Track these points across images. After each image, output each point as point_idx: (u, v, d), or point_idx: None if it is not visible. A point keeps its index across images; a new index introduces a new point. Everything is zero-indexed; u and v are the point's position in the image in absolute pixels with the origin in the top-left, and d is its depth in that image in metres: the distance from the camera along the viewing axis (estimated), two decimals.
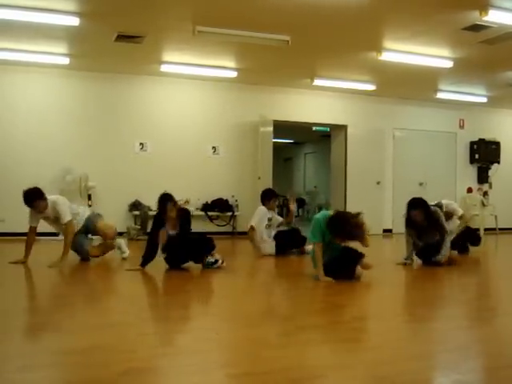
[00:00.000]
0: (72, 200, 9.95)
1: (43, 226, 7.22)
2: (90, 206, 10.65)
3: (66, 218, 6.93)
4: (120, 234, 10.50)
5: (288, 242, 8.51)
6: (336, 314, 4.64)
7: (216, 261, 6.63)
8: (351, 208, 12.76)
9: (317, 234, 5.86)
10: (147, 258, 6.46)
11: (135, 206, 11.11)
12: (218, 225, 11.66)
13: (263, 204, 8.53)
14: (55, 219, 7.03)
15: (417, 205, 6.98)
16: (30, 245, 6.97)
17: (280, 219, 8.84)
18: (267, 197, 8.58)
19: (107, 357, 3.18)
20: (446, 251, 7.05)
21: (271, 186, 12.46)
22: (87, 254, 7.25)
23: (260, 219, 8.39)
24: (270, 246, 8.29)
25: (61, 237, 7.26)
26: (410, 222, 7.07)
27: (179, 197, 10.80)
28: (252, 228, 8.31)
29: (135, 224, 10.97)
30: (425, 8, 7.45)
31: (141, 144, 11.38)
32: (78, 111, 11.03)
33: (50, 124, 10.83)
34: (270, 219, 8.49)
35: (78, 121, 11.00)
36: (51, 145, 10.73)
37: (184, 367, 3.04)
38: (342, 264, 5.88)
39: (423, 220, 6.96)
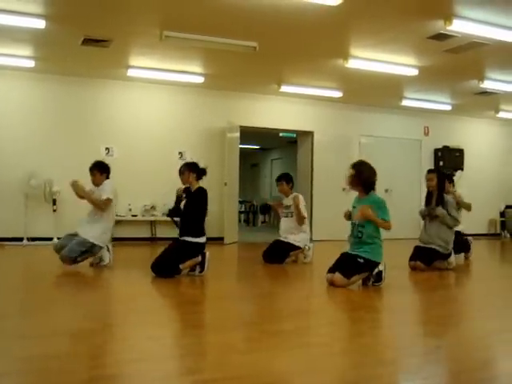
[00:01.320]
0: (36, 205, 9.88)
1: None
2: (54, 211, 10.55)
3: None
4: None
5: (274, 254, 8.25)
6: (304, 319, 4.65)
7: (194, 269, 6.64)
8: (317, 214, 12.86)
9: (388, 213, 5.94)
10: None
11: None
12: None
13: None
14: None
15: (433, 170, 8.17)
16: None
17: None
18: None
19: (72, 364, 3.15)
20: (452, 258, 7.60)
21: (237, 192, 12.52)
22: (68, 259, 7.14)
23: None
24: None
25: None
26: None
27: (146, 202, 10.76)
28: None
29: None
30: (391, 16, 7.54)
31: (107, 149, 11.28)
32: (43, 115, 10.91)
33: (15, 127, 10.69)
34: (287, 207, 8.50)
35: (43, 124, 10.88)
36: (16, 148, 10.58)
37: (150, 373, 3.02)
38: None
39: (435, 186, 7.61)
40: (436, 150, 14.71)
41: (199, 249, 6.61)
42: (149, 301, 5.37)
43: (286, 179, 8.51)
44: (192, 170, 6.80)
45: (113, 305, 5.27)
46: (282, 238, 8.30)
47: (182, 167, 6.90)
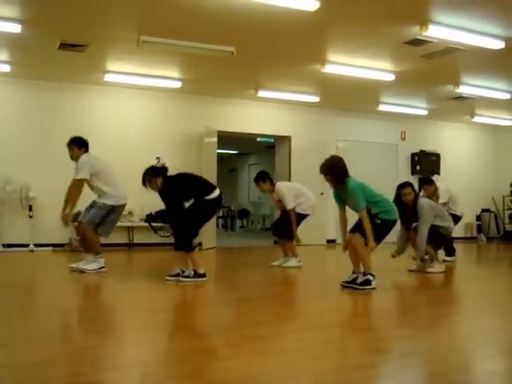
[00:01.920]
0: (12, 211, 9.78)
1: None
2: (31, 217, 10.45)
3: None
4: (62, 246, 10.37)
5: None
6: (283, 324, 4.64)
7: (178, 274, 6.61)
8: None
9: (363, 199, 6.03)
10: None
11: (78, 216, 10.90)
12: (161, 236, 11.56)
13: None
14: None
15: (407, 183, 7.70)
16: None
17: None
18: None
19: (51, 371, 3.11)
20: (420, 244, 7.50)
21: None
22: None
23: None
24: None
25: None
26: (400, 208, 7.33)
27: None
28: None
29: (77, 235, 10.79)
30: (367, 22, 7.58)
31: None
32: (19, 120, 10.81)
33: None
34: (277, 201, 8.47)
35: (18, 129, 10.78)
36: None
37: (130, 380, 3.00)
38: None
39: (412, 200, 7.50)
40: (413, 155, 14.82)
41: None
42: (128, 307, 5.33)
43: (260, 179, 8.46)
44: (155, 174, 6.83)
45: (92, 311, 5.22)
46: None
47: (144, 178, 6.90)
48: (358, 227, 6.09)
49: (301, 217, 8.28)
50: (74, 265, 7.35)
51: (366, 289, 5.99)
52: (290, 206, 8.17)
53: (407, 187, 7.58)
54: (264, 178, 8.44)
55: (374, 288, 5.99)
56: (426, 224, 7.50)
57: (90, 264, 7.30)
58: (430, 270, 7.64)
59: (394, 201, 7.25)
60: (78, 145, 7.45)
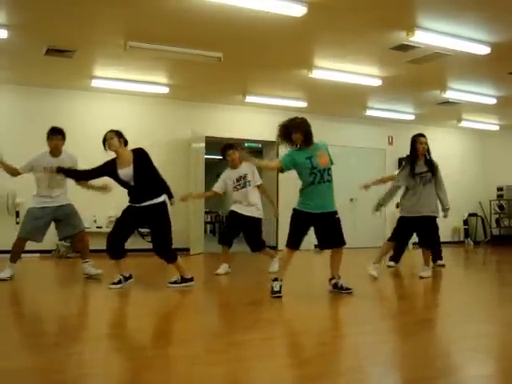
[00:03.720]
0: None
1: None
2: (17, 223, 10.38)
3: None
4: (49, 252, 10.31)
5: (233, 230, 8.02)
6: (267, 329, 4.64)
7: (175, 282, 6.58)
8: (283, 225, 12.85)
9: (285, 158, 6.23)
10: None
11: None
12: (149, 241, 11.53)
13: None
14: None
15: (422, 134, 7.82)
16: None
17: (258, 177, 8.01)
18: (221, 153, 8.20)
19: (35, 379, 3.09)
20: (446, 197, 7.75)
21: (203, 203, 12.46)
22: None
23: (222, 182, 8.07)
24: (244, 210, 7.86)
25: None
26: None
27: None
28: (214, 193, 8.14)
29: (65, 241, 10.73)
30: (354, 27, 7.61)
31: None
32: (4, 125, 10.75)
33: None
34: (240, 178, 7.91)
35: (5, 135, 10.70)
36: None
37: None
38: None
39: (427, 150, 7.69)
40: (400, 159, 14.81)
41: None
42: (112, 313, 5.31)
43: (231, 148, 8.14)
44: (120, 135, 6.69)
45: (76, 318, 5.20)
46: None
47: (108, 135, 6.70)
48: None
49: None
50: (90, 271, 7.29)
51: (349, 292, 6.08)
52: (259, 180, 8.01)
53: (424, 136, 7.73)
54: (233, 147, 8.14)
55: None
56: (443, 182, 7.73)
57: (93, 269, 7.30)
58: (422, 274, 7.65)
59: (410, 152, 7.69)
60: (64, 137, 7.60)
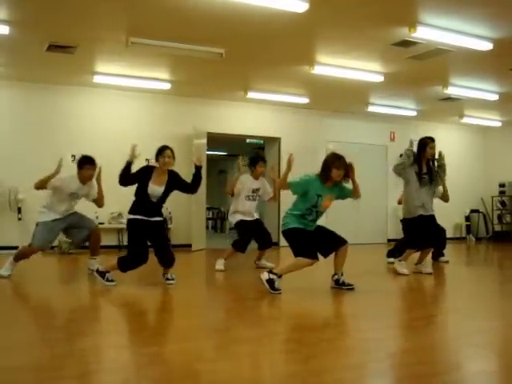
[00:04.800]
0: (0, 213, 9.72)
1: None
2: (19, 219, 10.40)
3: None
4: (52, 248, 10.31)
5: (249, 237, 8.12)
6: (271, 325, 4.64)
7: (172, 279, 6.58)
8: None
9: (299, 184, 6.17)
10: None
11: None
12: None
13: (251, 171, 8.27)
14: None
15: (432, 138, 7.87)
16: None
17: (269, 191, 8.34)
18: (252, 162, 8.27)
19: (30, 375, 3.09)
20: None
21: (205, 199, 12.45)
22: None
23: (241, 187, 8.11)
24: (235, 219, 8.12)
25: None
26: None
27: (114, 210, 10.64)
28: (231, 194, 8.18)
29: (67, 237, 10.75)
30: (356, 23, 7.59)
31: (73, 156, 11.11)
32: (7, 122, 10.76)
33: None
34: (255, 190, 8.19)
35: (6, 131, 10.72)
36: None
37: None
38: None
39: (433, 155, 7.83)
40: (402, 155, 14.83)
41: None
42: (115, 309, 5.32)
43: (262, 160, 8.42)
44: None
45: (77, 314, 5.20)
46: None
47: (168, 153, 6.82)
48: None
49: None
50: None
51: (351, 288, 6.13)
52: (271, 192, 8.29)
53: (434, 141, 7.82)
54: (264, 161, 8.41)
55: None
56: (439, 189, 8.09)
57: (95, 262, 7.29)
58: (426, 270, 7.71)
59: (417, 154, 7.76)
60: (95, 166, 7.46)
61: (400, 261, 7.68)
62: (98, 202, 7.37)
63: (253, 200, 8.18)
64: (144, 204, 6.46)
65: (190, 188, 6.91)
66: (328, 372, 3.22)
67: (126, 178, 6.53)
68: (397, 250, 8.63)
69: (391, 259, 8.85)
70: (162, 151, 6.72)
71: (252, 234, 8.13)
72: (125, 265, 6.37)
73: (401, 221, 8.13)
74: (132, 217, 6.46)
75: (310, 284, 6.77)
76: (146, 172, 6.60)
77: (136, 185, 6.58)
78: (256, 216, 8.28)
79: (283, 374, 3.20)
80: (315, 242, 6.04)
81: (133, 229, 6.45)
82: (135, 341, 4.05)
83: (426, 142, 7.72)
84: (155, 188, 6.49)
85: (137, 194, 6.55)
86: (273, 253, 9.95)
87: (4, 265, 7.11)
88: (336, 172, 6.13)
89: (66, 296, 6.06)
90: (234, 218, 8.19)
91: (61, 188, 7.12)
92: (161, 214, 6.62)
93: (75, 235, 7.40)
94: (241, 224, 8.11)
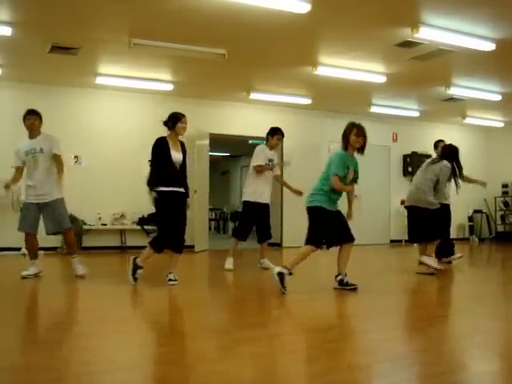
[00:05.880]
0: (3, 214, 9.72)
1: None
2: None
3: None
4: (54, 249, 10.32)
5: (251, 224, 8.16)
6: (275, 326, 4.64)
7: (175, 279, 6.57)
8: (287, 221, 12.86)
9: (341, 167, 6.15)
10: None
11: (70, 219, 10.87)
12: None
13: (266, 140, 8.33)
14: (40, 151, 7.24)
15: None
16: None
17: (278, 168, 8.56)
18: (271, 132, 8.31)
19: (32, 376, 3.08)
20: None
21: (208, 200, 12.44)
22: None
23: (258, 159, 8.15)
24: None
25: None
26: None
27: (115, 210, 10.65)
28: (257, 168, 8.15)
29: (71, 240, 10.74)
30: (359, 24, 7.59)
31: (75, 157, 11.18)
32: (9, 123, 10.75)
33: None
34: (270, 160, 8.27)
35: (9, 132, 10.69)
36: None
37: None
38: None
39: None
40: (404, 156, 14.85)
41: None
42: (119, 310, 5.31)
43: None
44: None
45: (81, 315, 5.20)
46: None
47: (185, 120, 6.97)
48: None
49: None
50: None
51: (354, 288, 6.17)
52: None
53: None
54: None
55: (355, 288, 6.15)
56: None
57: (79, 265, 7.27)
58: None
59: (454, 157, 8.45)
60: (40, 117, 7.52)
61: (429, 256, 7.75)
62: (58, 166, 7.40)
63: (270, 169, 8.28)
64: (172, 173, 6.52)
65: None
66: (333, 373, 3.21)
67: (156, 163, 6.60)
68: (441, 248, 8.73)
69: (447, 259, 9.04)
70: (181, 118, 6.90)
71: (255, 222, 8.12)
72: (160, 244, 6.47)
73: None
74: (165, 189, 6.45)
75: (314, 285, 6.76)
76: (163, 142, 6.69)
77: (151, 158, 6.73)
78: (268, 200, 8.29)
79: (286, 375, 3.19)
80: (329, 228, 6.09)
81: (167, 201, 6.46)
82: (140, 342, 4.04)
83: (457, 150, 8.79)
84: (176, 155, 6.65)
85: (159, 165, 6.55)
86: (275, 253, 9.94)
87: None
88: (354, 139, 6.28)
89: (66, 296, 6.05)
90: (250, 197, 8.17)
91: (19, 152, 7.40)
92: (186, 186, 6.74)
93: (45, 222, 7.42)
94: (250, 205, 8.13)
